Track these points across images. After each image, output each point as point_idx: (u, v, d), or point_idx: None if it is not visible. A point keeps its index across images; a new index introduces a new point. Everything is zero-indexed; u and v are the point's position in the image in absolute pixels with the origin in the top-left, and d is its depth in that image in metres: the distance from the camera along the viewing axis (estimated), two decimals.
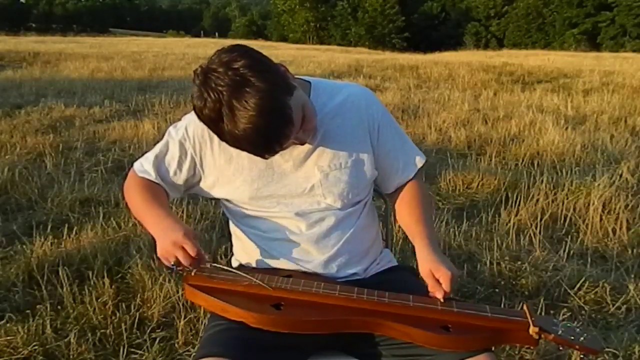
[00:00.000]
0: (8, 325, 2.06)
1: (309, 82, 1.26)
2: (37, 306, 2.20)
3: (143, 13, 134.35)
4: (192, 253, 1.11)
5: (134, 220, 2.88)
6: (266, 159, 1.14)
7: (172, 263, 1.12)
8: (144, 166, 1.28)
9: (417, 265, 1.19)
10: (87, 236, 2.81)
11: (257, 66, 1.02)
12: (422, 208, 1.29)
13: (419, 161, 1.34)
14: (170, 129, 1.28)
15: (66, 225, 2.98)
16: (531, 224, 3.12)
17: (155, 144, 1.29)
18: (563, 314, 2.25)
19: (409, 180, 1.34)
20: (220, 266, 1.18)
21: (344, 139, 1.24)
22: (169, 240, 1.12)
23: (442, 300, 1.11)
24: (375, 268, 1.32)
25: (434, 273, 1.14)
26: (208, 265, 1.18)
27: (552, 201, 3.43)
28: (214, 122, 1.04)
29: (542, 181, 3.66)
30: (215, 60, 1.03)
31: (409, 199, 1.31)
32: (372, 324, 1.09)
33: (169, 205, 1.29)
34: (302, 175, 1.23)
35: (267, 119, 1.01)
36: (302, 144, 1.17)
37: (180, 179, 1.27)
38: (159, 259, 1.14)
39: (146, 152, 1.30)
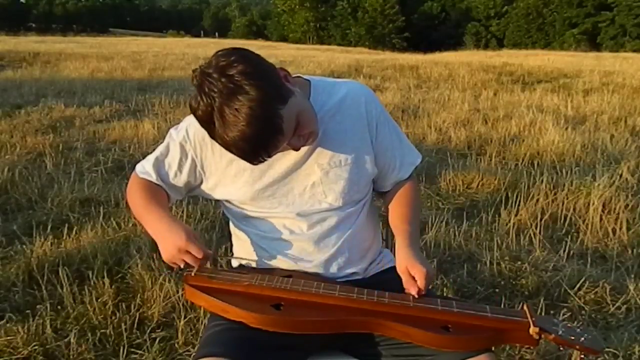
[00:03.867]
0: (8, 325, 2.05)
1: (309, 81, 1.26)
2: (37, 306, 2.20)
3: (143, 13, 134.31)
4: (199, 256, 1.12)
5: (134, 220, 2.88)
6: (255, 164, 1.13)
7: (182, 267, 1.14)
8: (145, 167, 1.28)
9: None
10: (87, 236, 2.81)
11: (252, 74, 1.01)
12: (411, 208, 1.30)
13: (416, 160, 1.35)
14: (172, 130, 1.28)
15: (66, 225, 2.98)
16: (531, 224, 3.12)
17: (155, 144, 1.29)
18: (563, 314, 2.24)
19: (405, 179, 1.34)
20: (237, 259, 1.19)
21: (344, 136, 1.24)
22: (173, 246, 1.13)
23: (416, 296, 1.12)
24: (375, 268, 1.33)
25: (410, 270, 1.14)
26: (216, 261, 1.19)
27: (552, 201, 3.43)
28: (206, 124, 1.05)
29: (542, 181, 3.66)
30: (213, 63, 1.03)
31: (401, 199, 1.32)
32: (372, 324, 1.09)
33: (169, 207, 1.29)
34: (303, 173, 1.23)
35: (256, 128, 1.01)
36: (297, 149, 1.16)
37: (180, 180, 1.27)
38: (164, 262, 1.15)
39: (146, 152, 1.31)
